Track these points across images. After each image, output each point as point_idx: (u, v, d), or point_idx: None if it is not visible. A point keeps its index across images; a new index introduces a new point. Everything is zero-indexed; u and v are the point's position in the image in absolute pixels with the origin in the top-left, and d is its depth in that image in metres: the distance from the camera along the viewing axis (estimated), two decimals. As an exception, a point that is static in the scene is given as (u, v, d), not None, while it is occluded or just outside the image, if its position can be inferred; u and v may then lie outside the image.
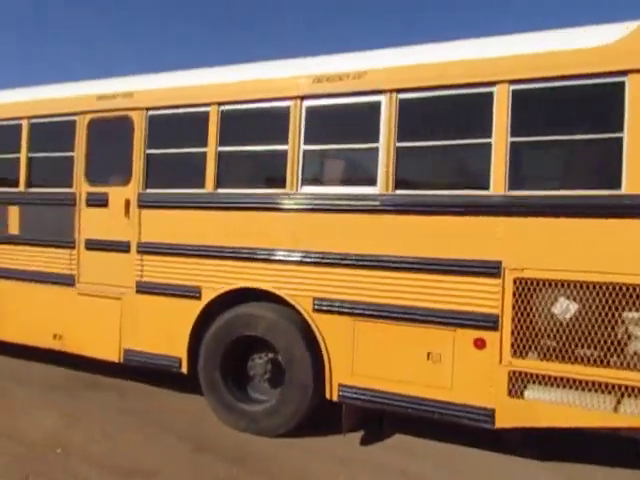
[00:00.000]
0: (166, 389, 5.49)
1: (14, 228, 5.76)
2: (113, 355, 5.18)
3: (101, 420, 4.76)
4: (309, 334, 4.36)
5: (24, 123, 5.69)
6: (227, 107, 4.68)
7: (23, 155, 5.70)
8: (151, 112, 5.01)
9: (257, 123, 4.66)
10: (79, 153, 5.37)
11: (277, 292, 4.43)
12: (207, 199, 4.73)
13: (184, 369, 4.85)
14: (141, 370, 5.46)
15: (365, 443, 4.43)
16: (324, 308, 4.28)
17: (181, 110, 4.88)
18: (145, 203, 5.02)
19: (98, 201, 5.25)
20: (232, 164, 4.76)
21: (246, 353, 4.71)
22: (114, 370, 5.76)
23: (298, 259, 4.36)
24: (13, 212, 5.77)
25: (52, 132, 5.61)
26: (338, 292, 4.24)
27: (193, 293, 4.77)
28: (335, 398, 4.28)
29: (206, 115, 4.74)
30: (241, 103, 4.63)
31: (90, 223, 5.31)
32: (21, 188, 5.71)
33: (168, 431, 4.57)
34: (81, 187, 5.36)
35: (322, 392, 4.33)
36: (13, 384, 5.60)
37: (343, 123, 4.34)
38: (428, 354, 3.97)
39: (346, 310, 4.22)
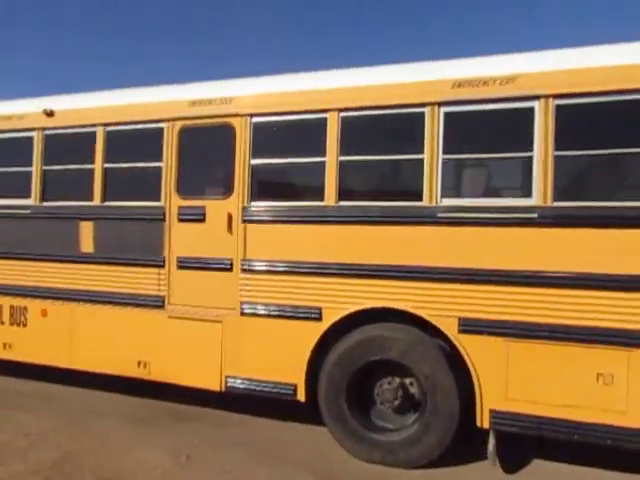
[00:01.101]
0: (257, 417, 5.16)
1: (87, 246, 5.30)
2: (213, 383, 4.79)
3: (215, 456, 4.37)
4: (454, 357, 4.10)
5: (99, 131, 5.27)
6: (349, 114, 4.38)
7: (98, 166, 5.27)
8: (256, 119, 4.68)
9: (384, 130, 4.39)
10: (168, 163, 4.98)
11: (416, 312, 4.15)
12: (327, 213, 4.42)
13: (300, 396, 4.51)
14: (215, 397, 5.13)
15: (509, 471, 4.21)
16: (472, 329, 4.03)
17: (292, 117, 4.57)
18: (251, 217, 4.67)
19: (193, 216, 4.87)
20: (354, 175, 4.47)
21: (369, 378, 4.44)
22: (183, 398, 5.41)
23: (441, 277, 4.09)
24: (86, 228, 5.32)
25: (132, 140, 5.21)
26: (488, 311, 3.99)
27: (312, 314, 4.44)
28: (486, 425, 4.02)
29: (324, 122, 4.45)
30: (367, 109, 4.34)
31: (183, 240, 4.92)
32: (96, 202, 5.28)
33: (294, 466, 4.23)
34: (171, 201, 4.96)
35: (469, 419, 4.08)
36: (91, 417, 5.14)
37: (487, 130, 4.11)
38: (597, 375, 3.76)
39: (498, 330, 3.98)
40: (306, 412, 4.91)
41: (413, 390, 4.37)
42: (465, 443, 4.28)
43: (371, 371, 4.40)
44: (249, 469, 4.19)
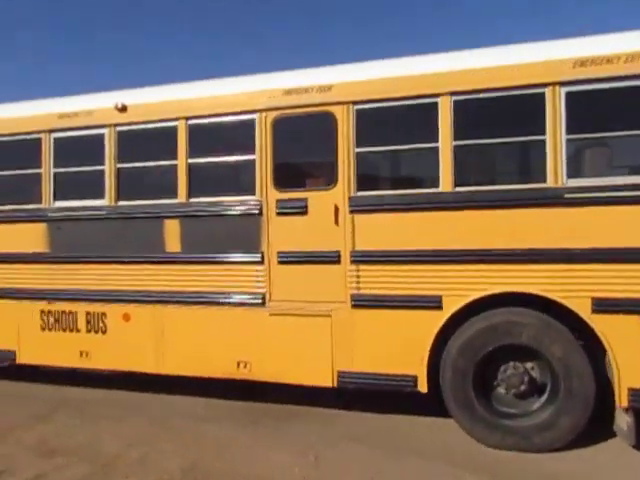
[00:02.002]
0: (361, 412, 5.08)
1: (174, 245, 5.11)
2: (325, 379, 4.69)
3: (340, 454, 4.29)
4: (587, 338, 4.11)
5: (180, 124, 5.08)
6: (463, 97, 4.33)
7: (181, 161, 5.08)
8: (359, 106, 4.58)
9: (499, 112, 4.33)
10: (263, 156, 4.84)
11: (547, 295, 4.14)
12: (445, 199, 4.36)
13: (422, 387, 4.46)
14: (306, 394, 5.07)
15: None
16: (606, 309, 4.04)
17: (400, 102, 4.48)
18: (359, 207, 4.58)
19: (293, 209, 4.75)
20: (470, 159, 4.42)
21: (487, 364, 4.41)
22: (275, 397, 5.35)
23: (572, 258, 4.09)
24: (171, 227, 5.13)
25: (218, 133, 5.04)
26: (622, 290, 4.01)
27: (432, 303, 4.39)
28: (626, 404, 4.05)
29: (435, 106, 4.38)
30: (481, 92, 4.29)
31: (283, 234, 4.80)
32: (181, 199, 5.10)
33: (423, 457, 4.19)
34: (268, 194, 4.83)
35: (606, 400, 4.10)
36: (193, 421, 4.99)
37: (612, 109, 4.12)
38: None
39: (633, 309, 4.00)
40: (404, 402, 4.92)
41: (535, 374, 4.38)
42: (591, 423, 4.32)
43: (491, 357, 4.40)
44: (380, 464, 4.13)
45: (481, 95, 4.32)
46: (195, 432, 4.77)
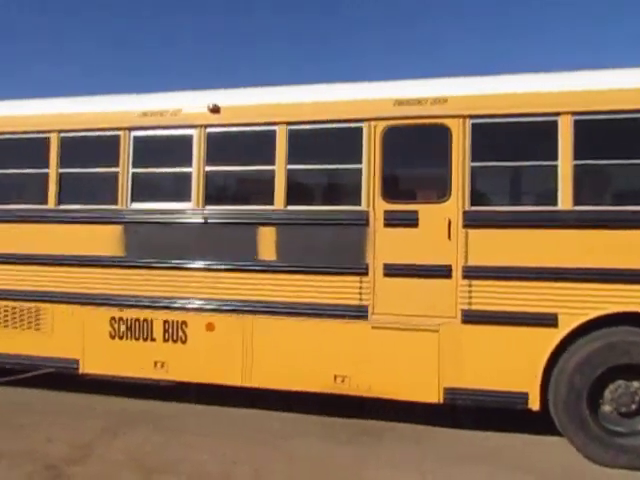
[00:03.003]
0: (448, 428, 5.07)
1: (268, 253, 4.98)
2: (431, 395, 4.65)
3: (459, 473, 4.24)
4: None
5: (280, 130, 4.96)
6: (583, 117, 4.41)
7: (280, 167, 4.96)
8: (475, 120, 4.60)
9: (623, 133, 4.43)
10: (371, 165, 4.79)
11: (667, 316, 4.25)
12: (563, 217, 4.42)
13: (533, 405, 4.48)
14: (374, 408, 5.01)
15: None
16: None
17: (518, 119, 4.53)
18: (473, 222, 4.59)
19: (403, 220, 4.71)
20: (588, 178, 4.50)
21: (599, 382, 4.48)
22: (342, 410, 5.26)
23: (693, 279, 4.22)
24: (267, 234, 4.99)
25: (322, 140, 4.96)
26: None
27: (548, 321, 4.43)
28: None
29: (555, 124, 4.45)
30: (600, 113, 4.38)
31: (390, 245, 4.75)
32: (278, 206, 4.98)
33: (549, 477, 4.19)
34: (375, 205, 4.77)
35: None
36: (281, 437, 4.84)
37: None
38: None
39: None
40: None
41: None
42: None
43: (602, 376, 4.47)
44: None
45: (599, 116, 4.44)
46: (290, 449, 4.63)
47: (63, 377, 6.42)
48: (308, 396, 5.20)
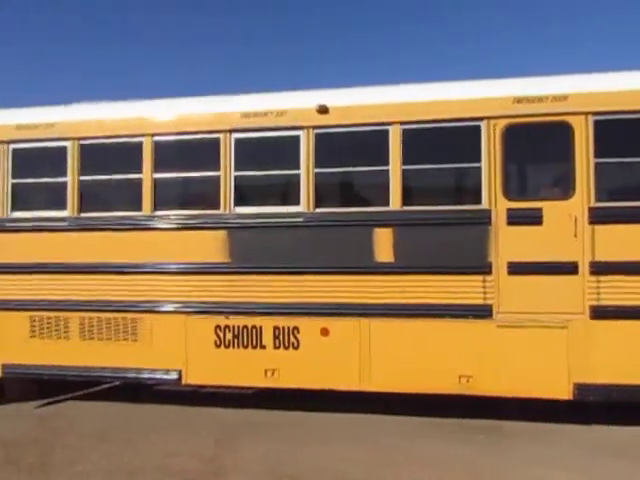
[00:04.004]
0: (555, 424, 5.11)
1: (385, 255, 4.93)
2: (561, 392, 4.69)
3: (613, 469, 4.26)
4: None
5: (393, 129, 4.92)
6: None
7: (395, 167, 4.92)
8: (598, 117, 4.66)
9: None
10: (491, 164, 4.80)
11: None
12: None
13: (665, 398, 4.56)
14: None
15: None
16: None
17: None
18: (600, 218, 4.65)
19: (526, 218, 4.74)
20: None
21: None
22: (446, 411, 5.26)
23: None
24: (383, 236, 4.94)
25: (435, 139, 4.95)
26: None
27: (679, 313, 4.52)
28: None
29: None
30: None
31: (514, 244, 4.77)
32: (394, 207, 4.94)
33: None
34: (497, 203, 4.78)
35: None
36: (409, 440, 4.79)
37: None
38: None
39: None
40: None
41: None
42: None
43: None
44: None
45: None
46: (421, 451, 4.59)
47: (128, 389, 6.40)
48: (404, 397, 5.20)
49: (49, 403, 6.07)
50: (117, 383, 6.60)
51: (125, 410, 5.87)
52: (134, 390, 6.44)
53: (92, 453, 4.70)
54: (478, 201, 4.86)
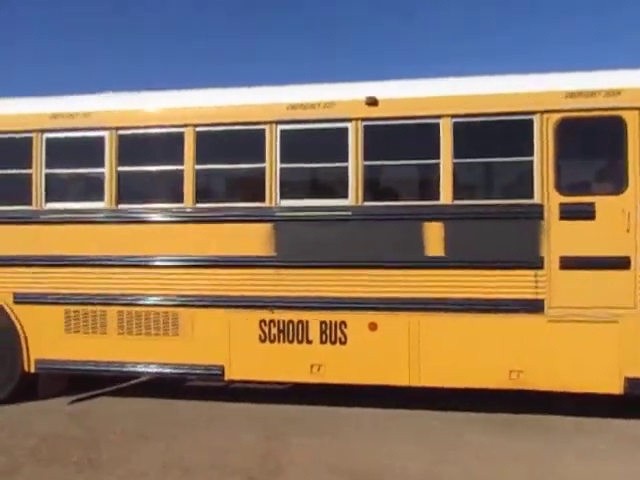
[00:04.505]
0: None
1: (436, 249, 4.90)
2: (612, 386, 4.72)
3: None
4: None
5: (444, 122, 4.88)
6: None
7: (446, 160, 4.90)
8: (649, 112, 4.69)
9: None
10: (544, 158, 4.80)
11: None
12: None
13: None
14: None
15: None
16: None
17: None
18: (652, 213, 4.67)
19: (579, 213, 4.76)
20: None
21: None
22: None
23: None
24: (434, 230, 4.92)
25: (485, 132, 4.94)
26: None
27: None
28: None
29: None
30: None
31: (566, 238, 4.78)
32: (445, 200, 4.92)
33: None
34: (550, 197, 4.79)
35: None
36: (468, 433, 4.80)
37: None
38: None
39: None
40: None
41: None
42: None
43: None
44: None
45: None
46: (472, 445, 4.59)
47: (156, 385, 6.31)
48: (441, 392, 5.21)
49: (80, 399, 5.95)
50: (144, 378, 6.56)
51: (158, 406, 5.76)
52: (163, 385, 6.35)
53: (139, 450, 4.63)
54: (530, 195, 4.86)
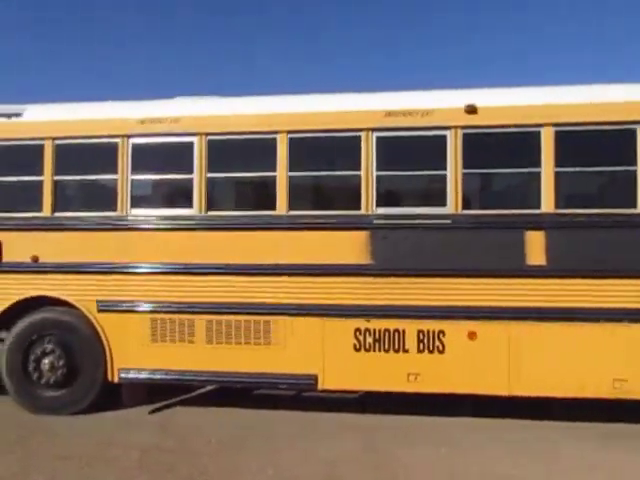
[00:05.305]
0: None
1: (537, 258, 4.89)
2: None
3: None
4: None
5: (545, 131, 4.88)
6: None
7: (548, 169, 4.91)
8: None
9: None
10: (651, 166, 4.82)
11: None
12: None
13: None
14: None
15: None
16: None
17: None
18: None
19: None
20: None
21: None
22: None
23: None
24: (535, 239, 4.90)
25: (587, 139, 4.95)
26: None
27: None
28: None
29: None
30: None
31: None
32: (548, 209, 4.91)
33: None
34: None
35: None
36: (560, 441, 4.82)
37: None
38: None
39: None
40: None
41: None
42: None
43: None
44: None
45: None
46: (588, 459, 4.53)
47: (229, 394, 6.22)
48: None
49: (157, 409, 5.89)
50: (211, 388, 6.47)
51: (242, 416, 5.68)
52: (230, 394, 6.24)
53: (244, 462, 4.54)
54: (634, 204, 4.89)
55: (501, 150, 5.11)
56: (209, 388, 6.54)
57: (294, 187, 5.30)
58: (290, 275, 5.24)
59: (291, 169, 5.28)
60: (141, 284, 5.44)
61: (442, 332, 5.10)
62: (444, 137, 5.11)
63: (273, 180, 5.31)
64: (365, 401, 6.00)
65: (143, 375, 5.49)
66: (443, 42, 22.21)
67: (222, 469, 4.45)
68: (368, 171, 5.19)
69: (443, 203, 5.11)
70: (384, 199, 5.20)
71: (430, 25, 22.71)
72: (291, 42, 23.02)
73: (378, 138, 5.19)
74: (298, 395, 6.31)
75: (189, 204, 5.42)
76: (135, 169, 5.51)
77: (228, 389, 6.33)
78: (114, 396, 5.89)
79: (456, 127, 5.09)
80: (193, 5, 22.77)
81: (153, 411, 5.81)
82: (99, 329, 5.49)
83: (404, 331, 5.14)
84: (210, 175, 5.40)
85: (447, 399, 5.36)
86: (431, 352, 5.12)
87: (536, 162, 4.99)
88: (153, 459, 4.62)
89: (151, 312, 5.45)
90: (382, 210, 5.19)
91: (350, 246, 5.19)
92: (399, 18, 21.85)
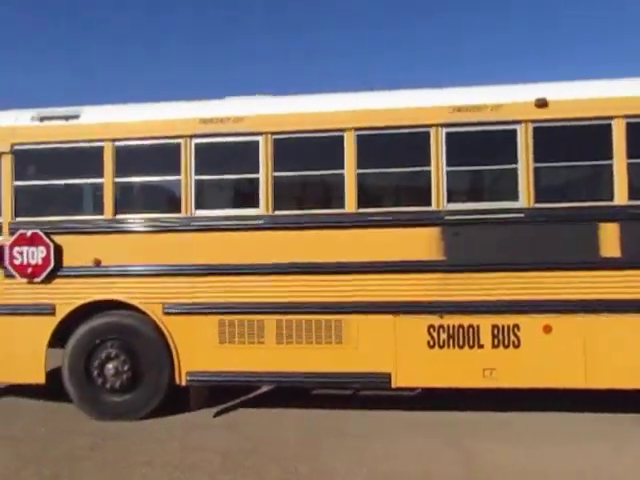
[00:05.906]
0: None
1: (611, 250, 4.91)
2: None
3: None
4: None
5: (618, 122, 4.91)
6: None
7: (620, 161, 4.93)
8: None
9: None
10: None
11: None
12: None
13: None
14: None
15: None
16: None
17: None
18: None
19: None
20: None
21: None
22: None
23: None
24: (608, 231, 4.92)
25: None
26: None
27: None
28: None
29: None
30: None
31: None
32: (620, 201, 4.92)
33: None
34: None
35: None
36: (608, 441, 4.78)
37: None
38: None
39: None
40: None
41: None
42: None
43: None
44: None
45: None
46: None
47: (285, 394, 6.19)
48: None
49: (222, 411, 5.82)
50: (266, 388, 6.43)
51: (306, 416, 5.63)
52: (288, 394, 6.20)
53: (333, 464, 4.50)
54: None
55: (572, 143, 5.12)
56: (264, 389, 6.54)
57: (362, 185, 5.30)
58: (361, 273, 5.21)
59: (359, 166, 5.27)
60: (208, 285, 5.39)
61: (517, 326, 5.11)
62: (514, 131, 5.12)
63: (341, 178, 5.30)
64: (425, 398, 6.05)
65: (211, 377, 5.45)
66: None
67: (313, 470, 4.42)
68: (438, 167, 5.18)
69: (515, 197, 5.12)
70: (455, 195, 5.22)
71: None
72: (291, 42, 23.10)
73: (448, 134, 5.20)
74: (354, 394, 6.36)
75: (255, 204, 5.42)
76: (199, 169, 5.48)
77: (282, 390, 6.37)
78: (174, 399, 5.86)
79: (526, 121, 5.10)
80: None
81: (218, 413, 5.79)
82: (165, 332, 5.45)
83: (478, 326, 5.14)
84: (276, 174, 5.38)
85: (505, 394, 5.39)
86: (506, 347, 5.12)
87: (608, 154, 5.02)
88: (237, 463, 4.58)
89: (219, 314, 5.40)
90: (453, 206, 5.20)
91: (421, 242, 5.17)
92: (399, 18, 21.99)
